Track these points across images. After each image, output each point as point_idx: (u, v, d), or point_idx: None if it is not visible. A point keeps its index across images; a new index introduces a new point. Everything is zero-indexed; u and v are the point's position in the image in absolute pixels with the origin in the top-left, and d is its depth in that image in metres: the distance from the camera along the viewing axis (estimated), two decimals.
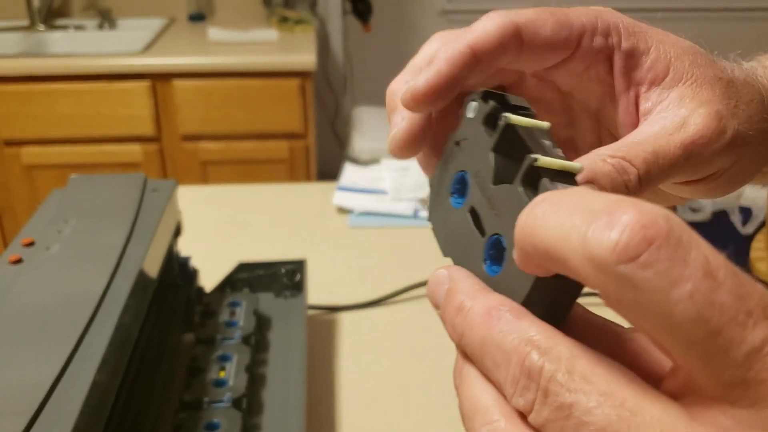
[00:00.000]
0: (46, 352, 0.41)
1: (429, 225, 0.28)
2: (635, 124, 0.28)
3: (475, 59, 0.26)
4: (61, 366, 0.40)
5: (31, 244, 0.54)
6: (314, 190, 1.08)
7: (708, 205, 2.12)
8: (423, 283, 0.82)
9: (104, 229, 0.56)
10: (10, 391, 0.38)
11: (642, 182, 0.25)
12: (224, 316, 0.65)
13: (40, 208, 0.61)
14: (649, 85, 0.28)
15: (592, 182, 0.24)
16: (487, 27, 0.26)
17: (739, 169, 0.29)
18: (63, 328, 0.43)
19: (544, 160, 0.22)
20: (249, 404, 0.56)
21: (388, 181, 1.04)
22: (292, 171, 1.87)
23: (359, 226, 0.97)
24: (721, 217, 2.12)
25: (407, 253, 0.91)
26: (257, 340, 0.64)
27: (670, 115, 0.27)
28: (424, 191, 1.03)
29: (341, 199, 1.01)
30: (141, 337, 0.57)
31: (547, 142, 0.24)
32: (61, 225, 0.56)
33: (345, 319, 0.78)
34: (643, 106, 0.28)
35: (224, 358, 0.60)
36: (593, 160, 0.24)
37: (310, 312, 0.77)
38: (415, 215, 0.99)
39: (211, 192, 1.11)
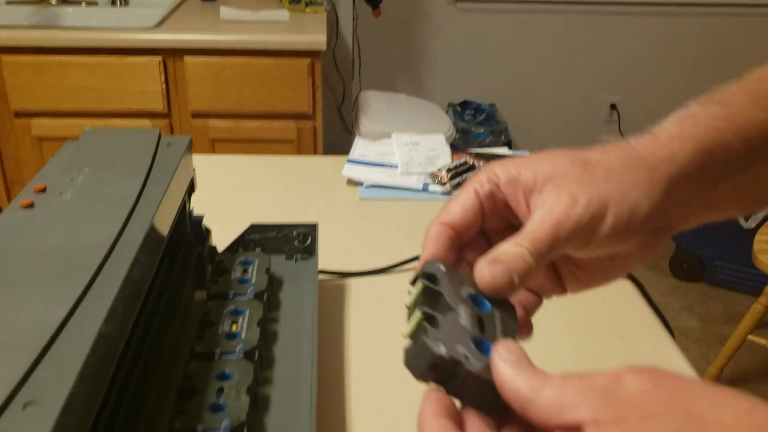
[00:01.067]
0: (56, 295, 0.41)
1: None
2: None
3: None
4: (70, 308, 0.40)
5: (43, 190, 0.54)
6: (325, 162, 1.08)
7: None
8: None
9: (118, 179, 0.55)
10: (19, 328, 0.38)
11: (536, 259, 0.34)
12: (237, 273, 0.65)
13: (53, 158, 0.60)
14: (528, 194, 0.36)
15: (508, 266, 0.33)
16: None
17: (669, 219, 0.37)
18: (73, 273, 0.43)
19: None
20: (260, 357, 0.56)
21: (398, 155, 1.04)
22: (300, 151, 1.87)
23: (369, 198, 0.97)
24: None
25: (415, 225, 0.90)
26: (269, 298, 0.64)
27: (541, 207, 0.35)
28: (434, 165, 1.03)
29: (351, 171, 1.01)
30: (152, 290, 0.57)
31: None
32: (74, 173, 0.56)
33: (354, 284, 0.78)
34: (532, 207, 0.36)
35: (236, 313, 0.60)
36: (504, 246, 0.34)
37: (320, 276, 0.77)
38: (424, 189, 0.99)
39: (222, 161, 1.10)
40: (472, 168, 1.03)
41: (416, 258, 0.81)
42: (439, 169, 1.01)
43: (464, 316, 0.31)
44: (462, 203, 0.37)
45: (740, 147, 0.37)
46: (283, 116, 1.83)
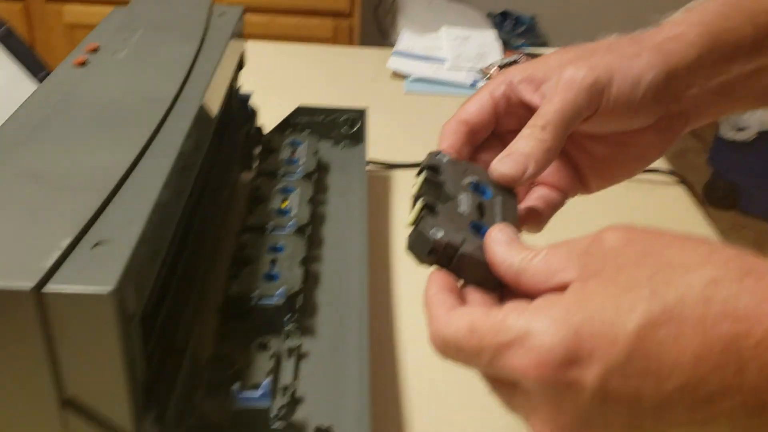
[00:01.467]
0: (121, 142, 0.40)
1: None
2: None
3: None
4: (137, 154, 0.39)
5: (96, 49, 0.52)
6: (369, 54, 1.04)
7: (753, 125, 2.04)
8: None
9: (172, 42, 0.53)
10: (86, 170, 0.37)
11: (552, 135, 0.34)
12: (285, 153, 0.64)
13: (102, 22, 0.58)
14: (541, 85, 0.37)
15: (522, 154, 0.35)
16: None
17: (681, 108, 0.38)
18: (136, 123, 0.42)
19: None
20: (312, 234, 0.55)
21: (447, 50, 1.00)
22: None
23: (415, 92, 0.94)
24: (766, 137, 2.05)
25: None
26: (318, 180, 0.63)
27: (549, 90, 0.36)
28: (484, 62, 0.99)
29: (397, 63, 0.97)
30: (204, 160, 0.56)
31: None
32: (127, 34, 0.54)
33: (399, 176, 0.76)
34: (542, 95, 0.37)
35: (286, 191, 0.58)
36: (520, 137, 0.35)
37: (367, 166, 0.75)
38: (473, 85, 0.95)
39: (264, 48, 1.07)
40: None
41: None
42: (490, 66, 0.97)
43: (464, 204, 0.33)
44: (478, 102, 0.38)
45: (749, 30, 0.37)
46: (319, 13, 1.78)
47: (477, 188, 0.35)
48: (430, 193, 0.33)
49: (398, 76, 0.97)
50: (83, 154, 0.38)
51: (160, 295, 0.41)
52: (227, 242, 0.56)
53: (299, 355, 0.47)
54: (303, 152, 0.64)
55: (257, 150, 0.66)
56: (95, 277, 0.30)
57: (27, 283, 0.29)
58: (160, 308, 0.42)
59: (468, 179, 0.35)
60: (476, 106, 0.37)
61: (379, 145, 0.80)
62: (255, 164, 0.66)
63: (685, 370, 0.24)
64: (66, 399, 0.32)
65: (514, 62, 0.99)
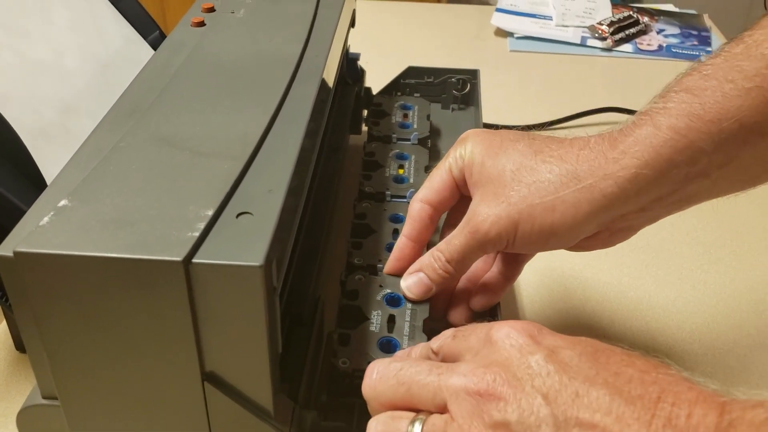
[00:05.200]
0: (252, 108, 0.38)
1: None
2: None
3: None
4: (269, 119, 0.37)
5: (211, 9, 0.50)
6: (470, 11, 1.00)
7: None
8: (591, 111, 0.75)
9: (289, 0, 0.51)
10: (220, 136, 0.35)
11: (454, 265, 0.39)
12: (397, 117, 0.61)
13: None
14: (474, 185, 0.39)
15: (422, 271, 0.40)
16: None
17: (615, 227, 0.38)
18: (264, 86, 0.40)
19: None
20: None
21: (554, 5, 0.94)
22: None
23: (520, 51, 0.89)
24: None
25: (573, 82, 0.83)
26: (432, 147, 0.60)
27: (467, 212, 0.39)
28: (593, 18, 0.93)
29: (501, 20, 0.92)
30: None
31: None
32: None
33: None
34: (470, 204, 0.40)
35: (402, 157, 0.56)
36: (426, 257, 0.40)
37: None
38: (582, 43, 0.90)
39: (360, 5, 1.04)
40: (636, 23, 0.92)
41: (577, 115, 0.74)
42: (600, 23, 0.91)
43: (375, 322, 0.39)
44: (438, 182, 0.41)
45: (710, 147, 0.34)
46: None
47: (391, 299, 0.40)
48: (345, 321, 0.40)
49: (501, 33, 0.92)
50: (214, 119, 0.37)
51: (288, 267, 0.40)
52: (345, 210, 0.54)
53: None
54: (415, 117, 0.61)
55: (368, 112, 0.64)
56: (244, 248, 0.28)
57: (178, 254, 0.27)
58: (287, 280, 0.40)
59: (383, 293, 0.41)
60: (436, 187, 0.41)
61: (486, 106, 0.77)
62: (364, 127, 0.64)
63: None
64: (207, 373, 0.31)
65: (628, 17, 0.92)
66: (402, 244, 0.42)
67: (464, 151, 0.40)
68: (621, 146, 0.35)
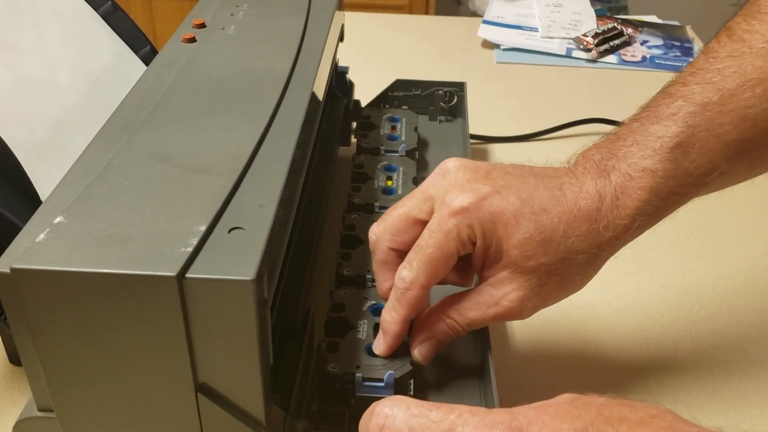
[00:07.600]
0: (243, 124, 0.39)
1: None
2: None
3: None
4: (261, 134, 0.38)
5: (202, 25, 0.51)
6: (457, 23, 1.01)
7: None
8: (577, 122, 0.76)
9: (279, 16, 0.52)
10: (212, 152, 0.36)
11: (465, 330, 0.40)
12: (385, 129, 0.62)
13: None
14: (490, 264, 0.39)
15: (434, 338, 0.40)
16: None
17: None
18: (255, 103, 0.41)
19: None
20: None
21: (539, 17, 0.96)
22: None
23: (507, 62, 0.90)
24: None
25: (559, 92, 0.84)
26: (419, 158, 0.61)
27: (492, 291, 0.39)
28: (578, 30, 0.95)
29: (488, 32, 0.94)
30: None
31: None
32: (233, 9, 0.52)
33: (497, 150, 0.74)
34: (485, 274, 0.40)
35: (389, 169, 0.57)
36: (438, 325, 0.40)
37: None
38: (568, 54, 0.91)
39: (349, 18, 1.05)
40: (620, 35, 0.94)
41: (563, 126, 0.76)
42: (585, 34, 0.92)
43: (362, 330, 0.41)
44: (405, 220, 0.40)
45: (691, 188, 0.38)
46: None
47: (376, 309, 0.42)
48: (333, 330, 0.42)
49: (488, 45, 0.94)
50: (207, 134, 0.37)
51: (279, 278, 0.41)
52: (334, 221, 0.55)
53: None
54: (403, 129, 0.62)
55: (356, 124, 0.65)
56: (236, 263, 0.29)
57: (171, 270, 0.28)
58: (278, 291, 0.41)
59: (368, 303, 0.43)
60: (402, 236, 0.40)
61: (473, 117, 0.78)
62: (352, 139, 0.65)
63: None
64: (200, 384, 0.32)
65: (613, 29, 0.94)
66: (396, 329, 0.40)
67: (465, 230, 0.38)
68: (612, 197, 0.38)
